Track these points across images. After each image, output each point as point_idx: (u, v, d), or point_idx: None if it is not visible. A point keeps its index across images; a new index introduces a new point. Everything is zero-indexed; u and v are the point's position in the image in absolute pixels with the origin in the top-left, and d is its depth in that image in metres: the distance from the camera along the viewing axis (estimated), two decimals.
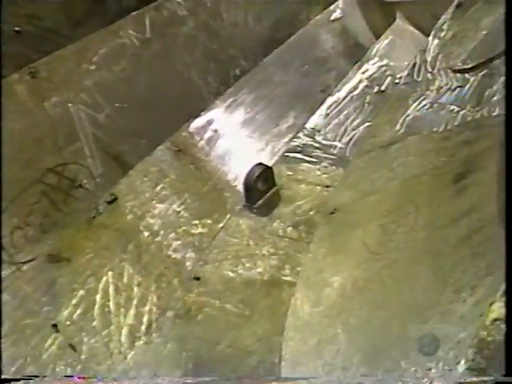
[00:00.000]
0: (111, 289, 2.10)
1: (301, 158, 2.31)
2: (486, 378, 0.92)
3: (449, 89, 2.07)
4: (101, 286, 2.10)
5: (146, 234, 2.21)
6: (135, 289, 2.12)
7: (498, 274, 1.02)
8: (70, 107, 2.22)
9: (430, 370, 1.51)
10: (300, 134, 2.34)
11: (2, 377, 1.84)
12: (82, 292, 2.07)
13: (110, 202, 2.22)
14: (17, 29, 2.15)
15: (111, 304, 2.08)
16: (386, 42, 2.38)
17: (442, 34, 2.22)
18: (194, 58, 2.38)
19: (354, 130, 2.30)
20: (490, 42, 1.85)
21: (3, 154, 1.99)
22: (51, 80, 2.21)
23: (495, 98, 1.93)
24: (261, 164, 2.27)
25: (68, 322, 2.02)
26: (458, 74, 2.03)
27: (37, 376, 1.82)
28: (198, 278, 2.16)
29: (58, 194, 2.15)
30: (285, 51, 2.44)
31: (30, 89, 2.17)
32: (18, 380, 1.70)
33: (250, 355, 1.93)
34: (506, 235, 0.90)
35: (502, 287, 0.91)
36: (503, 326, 0.90)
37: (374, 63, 2.37)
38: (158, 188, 2.27)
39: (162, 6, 2.34)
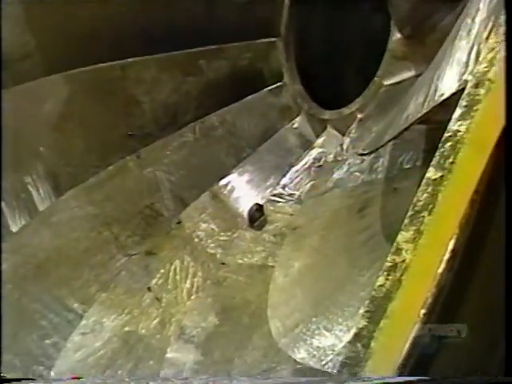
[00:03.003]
0: (177, 269, 2.11)
1: (277, 200, 2.31)
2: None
3: (354, 164, 2.07)
4: (172, 267, 2.11)
5: (196, 240, 2.22)
6: (190, 269, 2.13)
7: (381, 261, 1.04)
8: (157, 173, 2.26)
9: (345, 310, 1.52)
10: (277, 187, 2.34)
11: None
12: (162, 270, 2.09)
13: (177, 223, 2.24)
14: (130, 133, 2.20)
15: (177, 277, 2.09)
16: (322, 139, 2.38)
17: (351, 134, 2.22)
18: (221, 147, 2.41)
19: (305, 193, 2.29)
20: (377, 140, 1.85)
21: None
22: (147, 159, 2.24)
23: (379, 169, 1.94)
24: (257, 203, 2.29)
25: (155, 286, 2.04)
26: (360, 157, 2.03)
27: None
28: (223, 263, 2.17)
29: (151, 219, 2.18)
30: (270, 144, 2.45)
31: (136, 164, 2.22)
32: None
33: (251, 304, 1.93)
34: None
35: (385, 267, 0.90)
36: (384, 289, 0.89)
37: (316, 150, 2.38)
38: (202, 216, 2.28)
39: (206, 120, 2.38)
